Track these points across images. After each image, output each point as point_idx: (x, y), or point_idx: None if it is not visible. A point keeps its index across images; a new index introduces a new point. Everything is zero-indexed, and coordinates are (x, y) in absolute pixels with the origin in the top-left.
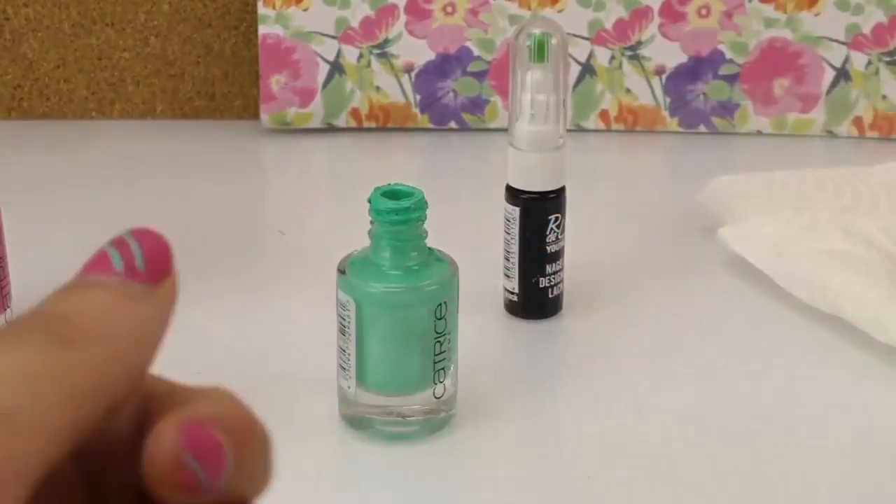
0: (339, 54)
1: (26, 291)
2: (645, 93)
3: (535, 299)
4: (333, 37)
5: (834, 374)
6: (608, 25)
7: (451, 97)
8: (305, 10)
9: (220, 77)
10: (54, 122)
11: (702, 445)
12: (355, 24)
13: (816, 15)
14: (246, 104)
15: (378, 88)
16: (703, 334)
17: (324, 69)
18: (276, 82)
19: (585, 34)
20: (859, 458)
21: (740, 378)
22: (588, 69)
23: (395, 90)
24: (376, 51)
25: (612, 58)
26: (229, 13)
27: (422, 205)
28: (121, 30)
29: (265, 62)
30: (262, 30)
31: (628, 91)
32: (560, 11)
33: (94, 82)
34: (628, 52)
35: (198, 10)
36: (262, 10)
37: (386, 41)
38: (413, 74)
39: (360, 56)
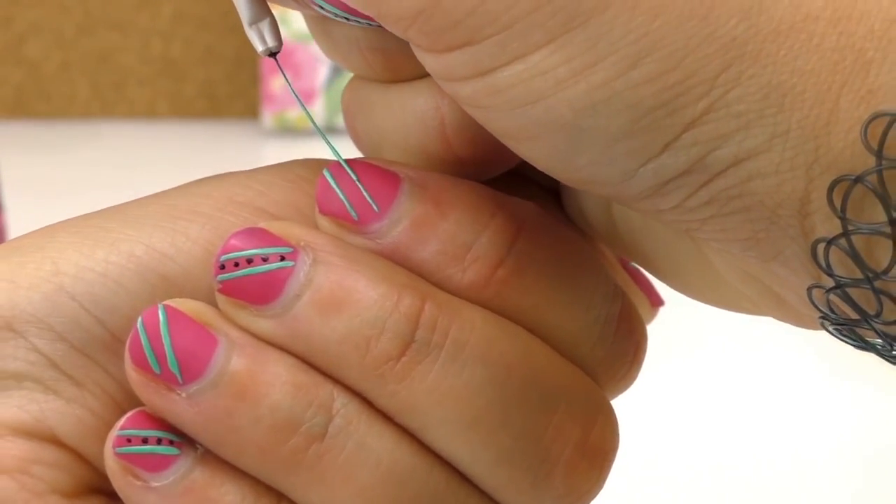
0: None
1: None
2: None
3: None
4: None
5: (832, 375)
6: None
7: None
8: None
9: (221, 78)
10: (57, 122)
11: (697, 446)
12: None
13: None
14: (247, 105)
15: None
16: (700, 334)
17: (324, 70)
18: (276, 83)
19: None
20: (856, 460)
21: (737, 380)
22: None
23: None
24: None
25: None
26: (230, 15)
27: None
28: (123, 32)
29: (266, 64)
30: None
31: None
32: None
33: (97, 84)
34: None
35: (199, 12)
36: None
37: None
38: None
39: None
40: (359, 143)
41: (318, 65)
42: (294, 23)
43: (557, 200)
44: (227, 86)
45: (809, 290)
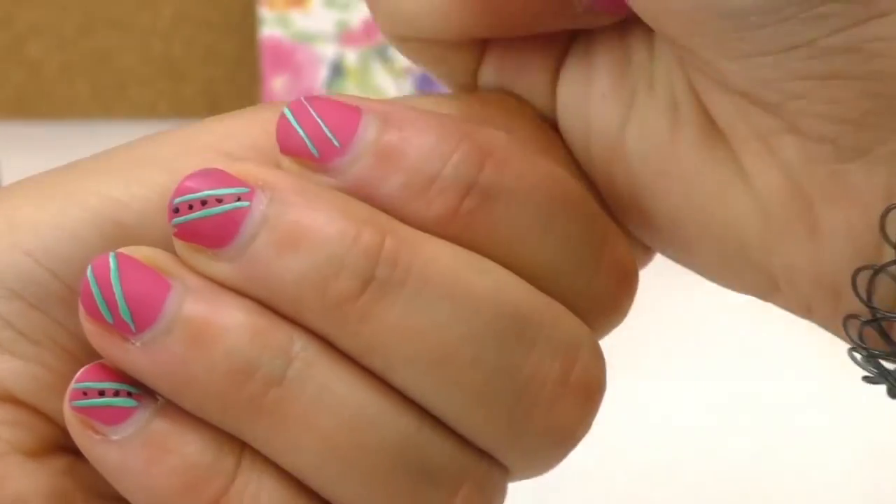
0: (339, 56)
1: None
2: (392, 92)
3: None
4: (334, 39)
5: (831, 374)
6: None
7: None
8: (306, 12)
9: (222, 79)
10: (58, 123)
11: (697, 447)
12: (356, 26)
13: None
14: (247, 105)
15: (378, 90)
16: (699, 334)
17: (325, 71)
18: (277, 84)
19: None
20: (855, 460)
21: (736, 379)
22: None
23: (395, 92)
24: (377, 53)
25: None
26: (231, 15)
27: None
28: (124, 32)
29: (267, 64)
30: (264, 32)
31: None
32: None
33: (97, 84)
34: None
35: (200, 12)
36: (263, 12)
37: (386, 43)
38: (413, 77)
39: (361, 58)
40: (382, 27)
41: (318, 65)
42: (294, 23)
43: (555, 133)
44: (227, 86)
45: (845, 321)
